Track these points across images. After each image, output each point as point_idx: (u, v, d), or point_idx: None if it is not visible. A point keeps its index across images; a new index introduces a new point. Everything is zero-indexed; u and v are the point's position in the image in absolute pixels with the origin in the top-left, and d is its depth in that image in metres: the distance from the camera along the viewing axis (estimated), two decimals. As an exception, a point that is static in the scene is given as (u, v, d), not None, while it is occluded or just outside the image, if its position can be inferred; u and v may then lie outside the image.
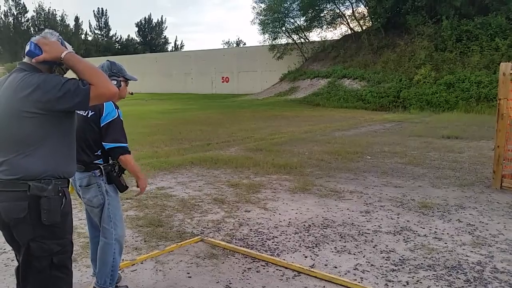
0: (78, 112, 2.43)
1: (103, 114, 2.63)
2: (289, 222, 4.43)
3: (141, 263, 3.40)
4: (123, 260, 3.35)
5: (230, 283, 3.06)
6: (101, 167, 2.68)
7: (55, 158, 1.94)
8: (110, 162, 2.72)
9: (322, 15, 32.48)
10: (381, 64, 24.04)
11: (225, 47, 53.96)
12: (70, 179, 2.42)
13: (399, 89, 20.92)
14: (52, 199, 1.89)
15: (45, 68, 1.98)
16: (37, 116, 1.86)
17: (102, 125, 2.64)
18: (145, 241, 3.88)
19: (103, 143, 2.65)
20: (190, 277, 3.16)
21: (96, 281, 2.80)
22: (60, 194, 1.93)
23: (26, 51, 1.98)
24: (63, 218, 1.96)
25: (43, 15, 74.15)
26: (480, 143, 9.72)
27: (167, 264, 3.38)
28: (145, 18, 78.30)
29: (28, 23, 74.67)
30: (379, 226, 4.33)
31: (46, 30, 2.05)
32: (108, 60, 2.81)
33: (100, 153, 2.69)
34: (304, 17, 32.77)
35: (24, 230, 1.91)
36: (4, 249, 3.65)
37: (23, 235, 1.92)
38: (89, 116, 2.63)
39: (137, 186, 2.84)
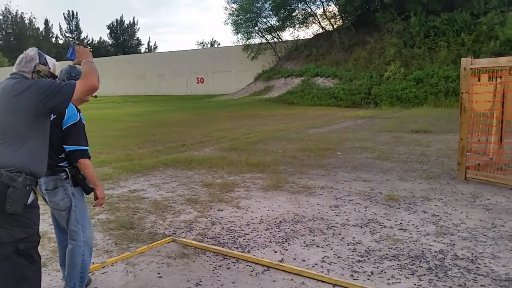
0: None
1: (65, 117, 2.66)
2: (261, 219, 4.51)
3: (112, 265, 3.41)
4: (93, 263, 3.36)
5: (200, 281, 3.11)
6: (67, 170, 2.70)
7: (30, 155, 2.17)
8: (75, 164, 2.73)
9: (294, 14, 32.82)
10: (352, 62, 24.47)
11: (199, 47, 53.71)
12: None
13: (370, 86, 21.35)
14: (19, 190, 2.06)
15: (30, 76, 2.31)
16: (26, 113, 2.14)
17: (64, 128, 2.66)
18: (116, 244, 3.88)
19: (64, 145, 2.67)
20: (160, 277, 3.20)
21: (65, 284, 2.81)
22: (27, 188, 2.10)
23: (67, 55, 2.55)
24: (30, 210, 2.14)
25: (10, 18, 72.11)
26: (448, 136, 10.04)
27: (138, 265, 3.41)
28: (116, 20, 77.08)
29: (-6, 26, 72.53)
30: (347, 219, 4.45)
31: (30, 48, 2.43)
32: (69, 65, 2.82)
33: (64, 156, 2.71)
34: (277, 17, 33.00)
35: None
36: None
37: None
38: (52, 119, 2.62)
39: (95, 197, 2.84)
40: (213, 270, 3.28)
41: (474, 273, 3.15)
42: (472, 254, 3.50)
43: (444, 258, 3.42)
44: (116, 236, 4.08)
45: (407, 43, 22.37)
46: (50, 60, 2.42)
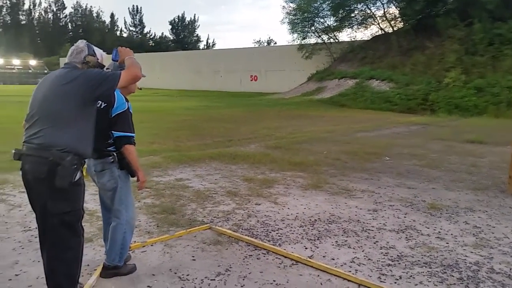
0: None
1: (114, 106, 2.87)
2: (296, 216, 4.59)
3: (151, 245, 3.65)
4: (134, 242, 3.61)
5: (230, 267, 3.26)
6: (114, 154, 2.93)
7: (78, 137, 2.43)
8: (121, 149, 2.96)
9: (352, 15, 32.34)
10: (410, 66, 23.76)
11: (256, 46, 54.23)
12: (86, 165, 2.91)
13: (428, 92, 20.63)
14: (67, 168, 2.32)
15: (80, 66, 2.58)
16: (75, 100, 2.40)
17: (113, 115, 2.87)
18: (157, 226, 4.13)
19: (112, 131, 2.88)
20: (194, 260, 3.39)
21: (106, 258, 3.06)
22: (74, 167, 2.36)
23: (112, 56, 2.88)
24: (76, 187, 2.40)
25: (80, 11, 76.60)
26: (506, 149, 9.49)
27: (175, 247, 3.62)
28: (178, 16, 79.69)
29: (66, 19, 77.41)
30: (384, 224, 4.43)
31: (79, 40, 2.71)
32: None
33: (112, 141, 2.92)
34: (334, 17, 32.67)
35: (42, 190, 2.36)
36: (29, 227, 3.99)
37: (42, 195, 2.36)
38: (102, 107, 2.85)
39: (137, 179, 3.03)
40: (244, 259, 3.42)
41: (509, 288, 3.06)
42: (510, 269, 3.38)
43: (479, 270, 3.34)
44: (159, 219, 4.33)
45: (468, 50, 21.38)
46: (98, 51, 2.69)
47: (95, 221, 4.20)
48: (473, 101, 18.49)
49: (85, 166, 2.97)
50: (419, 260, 3.51)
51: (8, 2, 75.21)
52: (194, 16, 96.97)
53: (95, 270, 3.13)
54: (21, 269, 3.16)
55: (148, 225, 4.17)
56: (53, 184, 2.29)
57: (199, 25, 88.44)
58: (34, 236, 3.74)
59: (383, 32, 30.19)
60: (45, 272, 2.53)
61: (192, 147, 9.03)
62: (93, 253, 3.46)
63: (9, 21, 75.56)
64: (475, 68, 20.33)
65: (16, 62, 64.06)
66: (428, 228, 4.33)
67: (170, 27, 79.63)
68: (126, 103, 2.94)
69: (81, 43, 2.65)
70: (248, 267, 3.27)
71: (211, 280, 3.06)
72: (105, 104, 2.85)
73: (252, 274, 3.17)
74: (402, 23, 28.50)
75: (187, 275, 3.14)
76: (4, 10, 75.61)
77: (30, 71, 63.75)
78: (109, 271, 3.06)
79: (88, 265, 3.21)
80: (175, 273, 3.17)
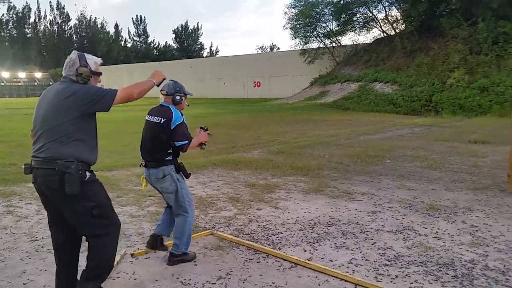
0: (152, 120, 3.39)
1: (173, 120, 3.33)
2: (296, 220, 4.69)
3: (154, 252, 3.76)
4: (138, 249, 3.74)
5: (231, 271, 3.36)
6: (173, 162, 3.41)
7: (80, 148, 2.58)
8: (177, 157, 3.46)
9: (355, 19, 32.47)
10: (414, 68, 23.78)
11: (259, 51, 54.51)
12: (145, 175, 3.38)
13: (432, 93, 20.66)
14: (73, 176, 2.48)
15: (75, 78, 2.68)
16: (74, 114, 2.53)
17: (172, 128, 3.33)
18: (160, 233, 4.24)
19: (174, 141, 3.33)
20: (196, 265, 3.49)
21: (173, 248, 3.48)
22: (80, 173, 2.51)
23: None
24: (90, 184, 2.58)
25: (84, 23, 77.43)
26: (508, 148, 9.53)
27: (177, 253, 3.73)
28: (182, 25, 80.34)
29: (70, 30, 78.28)
30: (382, 225, 4.51)
31: (73, 52, 2.77)
32: (171, 80, 3.45)
33: (170, 151, 3.40)
34: (337, 22, 32.81)
35: (62, 199, 2.53)
36: (36, 237, 4.12)
37: (64, 203, 2.55)
38: (161, 122, 3.34)
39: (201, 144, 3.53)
40: (244, 263, 3.52)
41: (502, 285, 3.13)
42: (504, 266, 3.45)
43: (473, 268, 3.42)
44: (161, 226, 4.44)
45: (473, 49, 21.37)
46: (91, 60, 2.72)
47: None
48: (477, 101, 18.49)
49: (144, 175, 3.47)
50: (415, 260, 3.59)
51: (14, 16, 76.31)
52: (197, 24, 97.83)
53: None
54: (29, 278, 3.28)
55: (152, 232, 4.27)
56: (65, 191, 2.45)
57: (202, 33, 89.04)
58: (41, 246, 3.88)
59: (385, 35, 30.26)
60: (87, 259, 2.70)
61: (196, 155, 9.13)
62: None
63: (15, 35, 76.61)
64: (479, 68, 20.30)
65: (22, 75, 64.91)
66: (426, 228, 4.41)
67: (173, 35, 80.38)
68: (182, 116, 3.39)
69: (73, 54, 2.71)
70: (248, 271, 3.37)
71: (212, 284, 3.17)
72: (165, 120, 3.33)
73: (252, 277, 3.27)
74: (404, 25, 28.57)
75: (189, 279, 3.24)
76: (11, 24, 76.71)
77: (36, 83, 64.54)
78: (176, 258, 3.47)
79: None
80: (177, 278, 3.27)
